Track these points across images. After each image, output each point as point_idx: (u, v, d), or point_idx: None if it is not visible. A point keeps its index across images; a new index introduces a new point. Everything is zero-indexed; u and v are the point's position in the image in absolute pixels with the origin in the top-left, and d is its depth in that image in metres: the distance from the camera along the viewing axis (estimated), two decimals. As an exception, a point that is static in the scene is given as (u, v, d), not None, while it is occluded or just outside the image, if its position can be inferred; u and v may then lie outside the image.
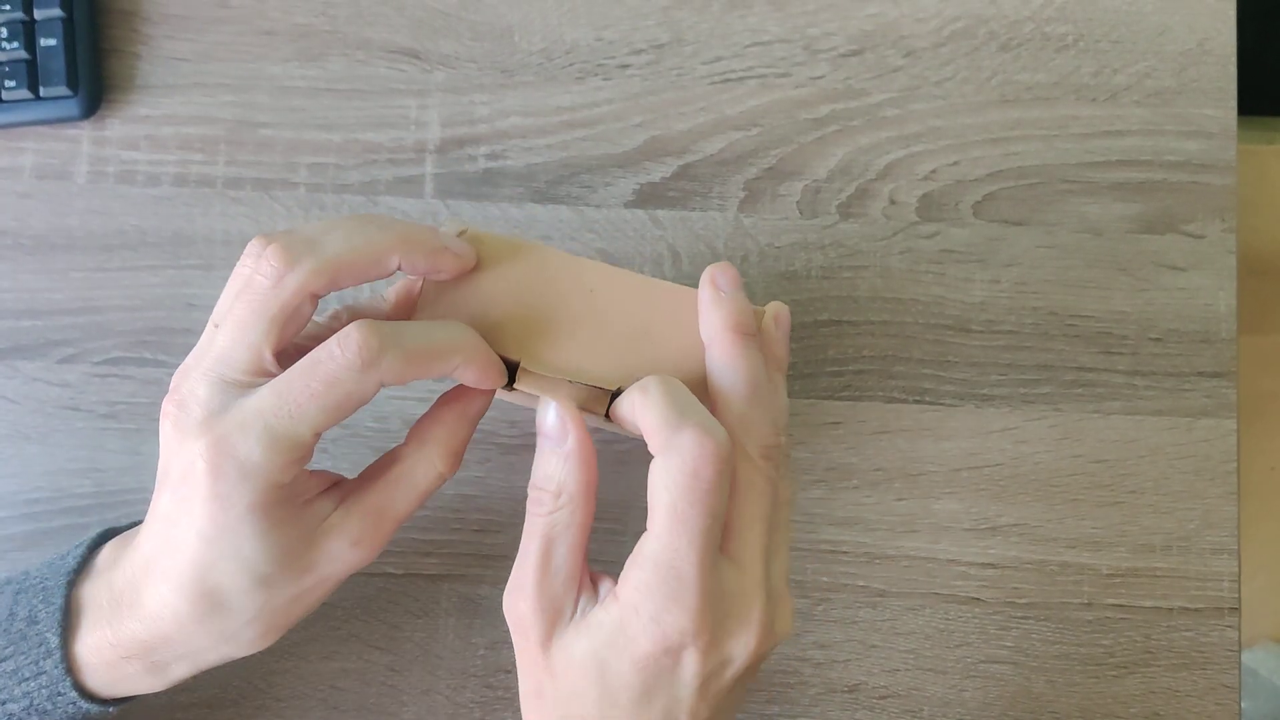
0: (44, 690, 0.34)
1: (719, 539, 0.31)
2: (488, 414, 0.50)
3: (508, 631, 0.48)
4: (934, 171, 0.52)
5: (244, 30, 0.53)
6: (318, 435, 0.33)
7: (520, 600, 0.33)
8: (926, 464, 0.50)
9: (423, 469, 0.37)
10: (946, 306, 0.51)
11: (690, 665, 0.31)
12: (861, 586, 0.49)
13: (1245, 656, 0.82)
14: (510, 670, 0.49)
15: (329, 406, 0.32)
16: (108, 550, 0.37)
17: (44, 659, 0.34)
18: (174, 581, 0.33)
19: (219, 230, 0.52)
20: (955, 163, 0.52)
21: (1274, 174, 0.76)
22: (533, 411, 0.50)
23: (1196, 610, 0.49)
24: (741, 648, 0.31)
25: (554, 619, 0.32)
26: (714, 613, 0.30)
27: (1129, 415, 0.50)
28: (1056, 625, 0.49)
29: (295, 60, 0.53)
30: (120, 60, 0.53)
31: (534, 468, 0.33)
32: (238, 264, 0.35)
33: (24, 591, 0.36)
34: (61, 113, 0.51)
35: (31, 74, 0.51)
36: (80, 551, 0.37)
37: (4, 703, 0.34)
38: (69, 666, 0.34)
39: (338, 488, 0.37)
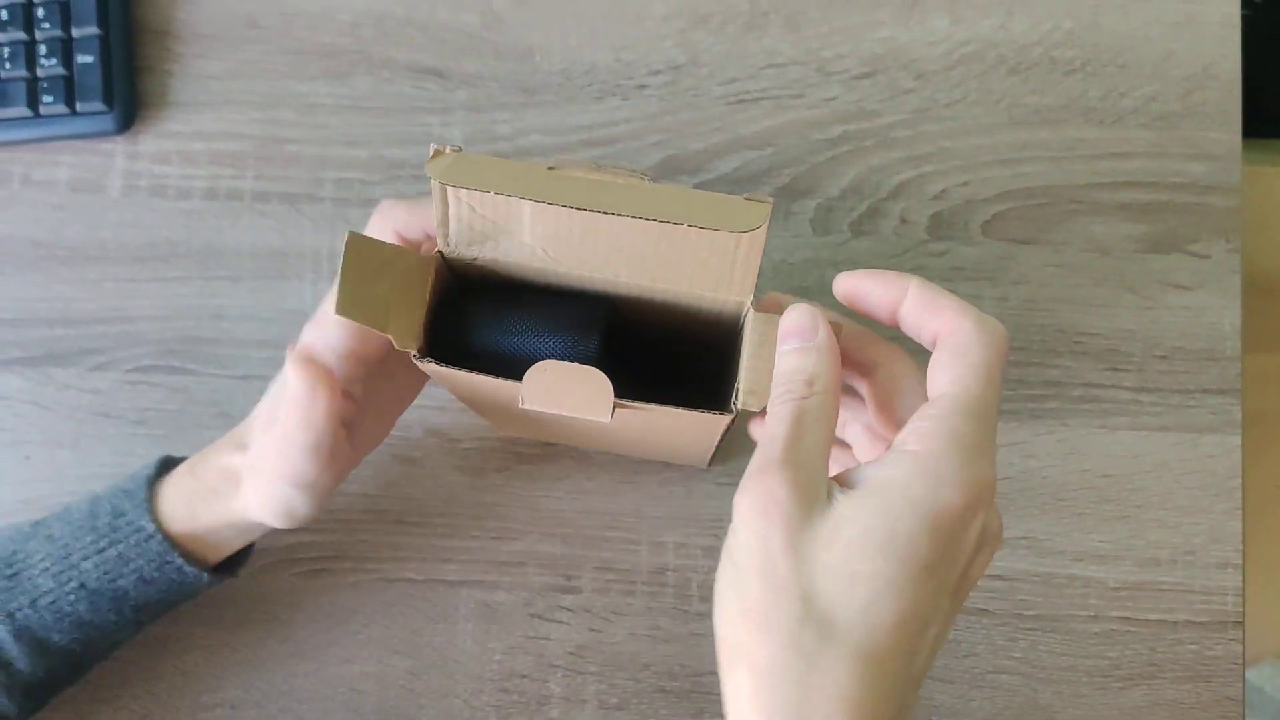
0: (152, 563, 0.41)
1: None
2: (507, 424, 0.51)
3: (524, 637, 0.50)
4: (944, 191, 0.53)
5: (273, 50, 0.54)
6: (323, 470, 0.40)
7: (769, 479, 0.28)
8: (936, 477, 0.51)
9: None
10: (956, 323, 0.52)
11: (976, 528, 0.28)
12: (871, 597, 0.50)
13: (1250, 674, 0.82)
14: (526, 675, 0.50)
15: (312, 425, 0.39)
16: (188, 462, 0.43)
17: (145, 540, 0.41)
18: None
19: (247, 243, 0.53)
20: (965, 183, 0.53)
21: (1279, 195, 0.77)
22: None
23: (1201, 624, 0.50)
24: (998, 530, 0.31)
25: (810, 499, 0.28)
26: (992, 482, 0.29)
27: (1135, 431, 0.51)
28: (1063, 637, 0.50)
29: (322, 78, 0.54)
30: (153, 77, 0.54)
31: (777, 372, 0.31)
32: None
33: (98, 500, 0.42)
34: (97, 128, 0.53)
35: (68, 90, 0.52)
36: (152, 465, 0.43)
37: (114, 580, 0.41)
38: (168, 539, 0.41)
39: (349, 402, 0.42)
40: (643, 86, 0.54)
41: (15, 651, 0.41)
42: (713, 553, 0.50)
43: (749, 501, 0.28)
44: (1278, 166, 0.76)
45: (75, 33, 0.53)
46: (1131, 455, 0.51)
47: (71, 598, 0.41)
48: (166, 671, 0.50)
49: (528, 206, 0.32)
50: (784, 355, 0.31)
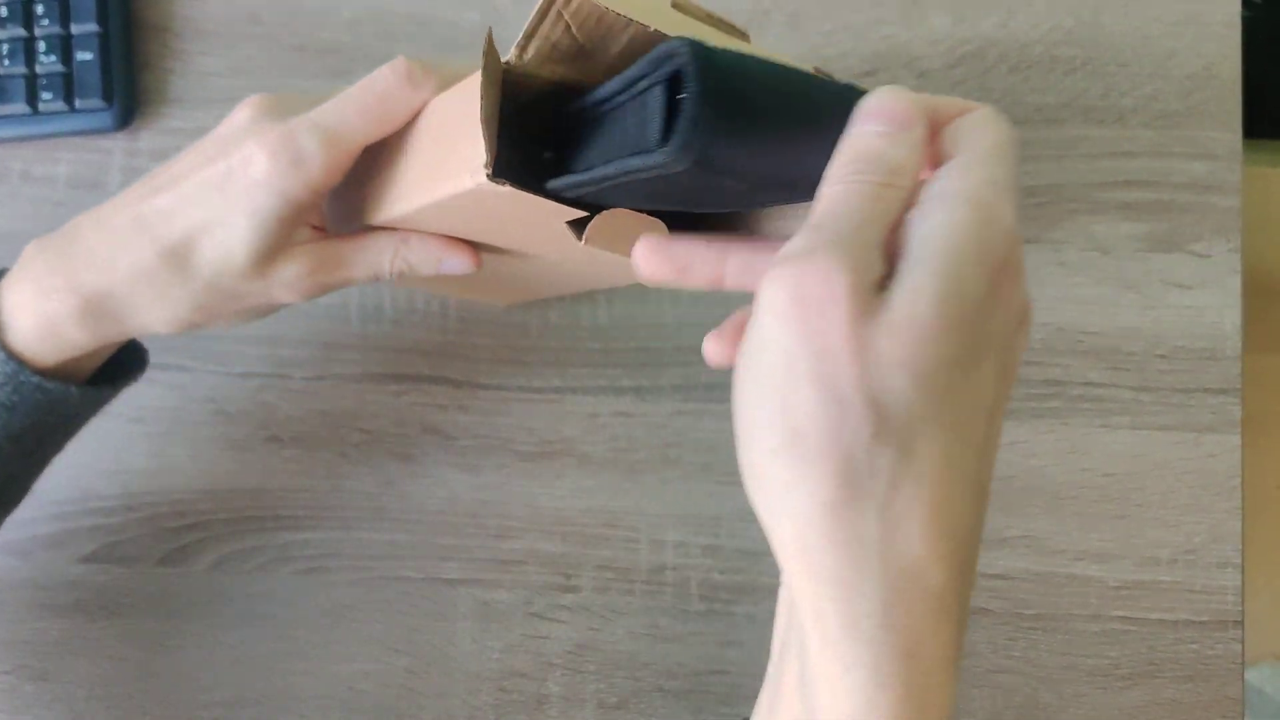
0: (4, 387, 0.37)
1: None
2: (504, 422, 0.51)
3: (522, 636, 0.49)
4: (945, 190, 0.53)
5: (274, 46, 0.54)
6: (362, 145, 0.36)
7: (822, 257, 0.22)
8: (936, 476, 0.51)
9: (389, 255, 0.39)
10: (956, 322, 0.52)
11: (1019, 295, 0.25)
12: (871, 596, 0.50)
13: (1250, 675, 0.82)
14: (525, 674, 0.49)
15: (377, 118, 0.36)
16: (33, 247, 0.38)
17: None
18: (162, 237, 0.36)
19: (246, 240, 0.53)
20: (966, 181, 0.53)
21: None
22: (548, 419, 0.51)
23: (1201, 623, 0.50)
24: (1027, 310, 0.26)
25: (871, 288, 0.23)
26: None
27: (1136, 430, 0.51)
28: (1063, 636, 0.50)
29: (323, 75, 0.54)
30: (153, 74, 0.54)
31: (851, 152, 0.25)
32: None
33: None
34: (96, 124, 0.53)
35: (68, 87, 0.52)
36: None
37: None
38: (16, 357, 0.37)
39: (318, 232, 0.40)
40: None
41: None
42: (713, 552, 0.50)
43: (791, 290, 0.22)
44: (1278, 167, 0.76)
45: (74, 29, 0.52)
46: (1132, 454, 0.51)
47: None
48: (162, 670, 0.50)
49: (631, 31, 0.29)
50: (865, 136, 0.25)
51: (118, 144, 0.54)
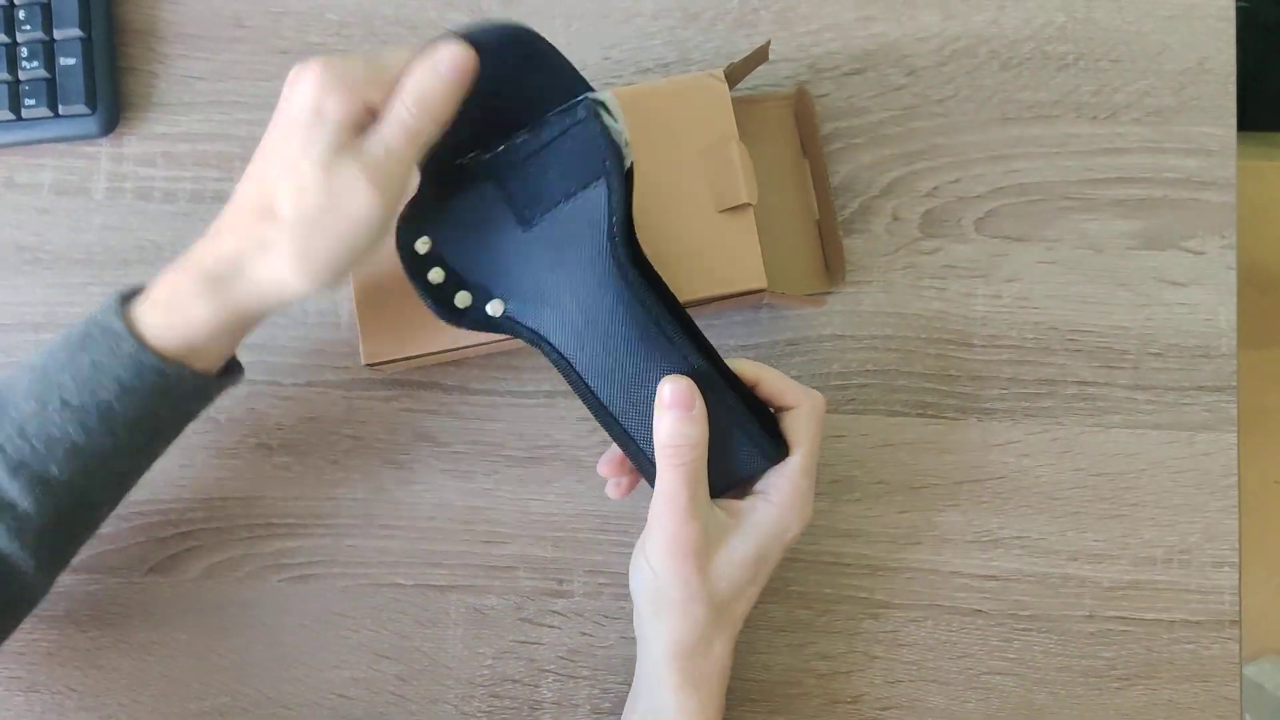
0: (128, 369, 0.39)
1: None
2: (495, 427, 0.51)
3: (514, 642, 0.49)
4: (936, 188, 0.52)
5: (259, 50, 0.54)
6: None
7: (684, 531, 0.40)
8: (929, 477, 0.51)
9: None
10: (949, 321, 0.52)
11: (793, 539, 0.44)
12: (864, 598, 0.50)
13: (1249, 670, 0.82)
14: (517, 680, 0.49)
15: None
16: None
17: (117, 342, 0.39)
18: (252, 197, 0.40)
19: (233, 245, 0.52)
20: (957, 180, 0.52)
21: (1275, 190, 0.76)
22: (539, 424, 0.51)
23: (1198, 623, 0.50)
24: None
25: (712, 540, 0.41)
26: None
27: (1130, 429, 0.51)
28: (1058, 637, 0.50)
29: (309, 79, 0.54)
30: (138, 79, 0.54)
31: (660, 435, 0.40)
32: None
33: (74, 323, 0.41)
34: (80, 130, 0.52)
35: (51, 92, 0.52)
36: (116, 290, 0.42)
37: (94, 392, 0.39)
38: (141, 340, 0.39)
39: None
40: (632, 85, 0.53)
41: (16, 491, 0.39)
42: (705, 555, 0.50)
43: (667, 551, 0.41)
44: (1273, 160, 0.75)
45: (58, 34, 0.52)
46: (1126, 453, 0.51)
47: (57, 419, 0.39)
48: (153, 678, 0.49)
49: None
50: (669, 420, 0.40)
51: (102, 149, 0.53)
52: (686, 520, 0.40)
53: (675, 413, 0.40)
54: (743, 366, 0.43)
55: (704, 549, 0.41)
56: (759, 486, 0.43)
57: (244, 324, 0.41)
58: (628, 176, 0.41)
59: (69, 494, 0.40)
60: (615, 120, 0.41)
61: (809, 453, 0.43)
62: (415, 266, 0.43)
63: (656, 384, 0.41)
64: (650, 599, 0.42)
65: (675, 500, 0.40)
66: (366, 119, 0.39)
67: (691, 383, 0.41)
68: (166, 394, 0.41)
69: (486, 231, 0.42)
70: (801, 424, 0.43)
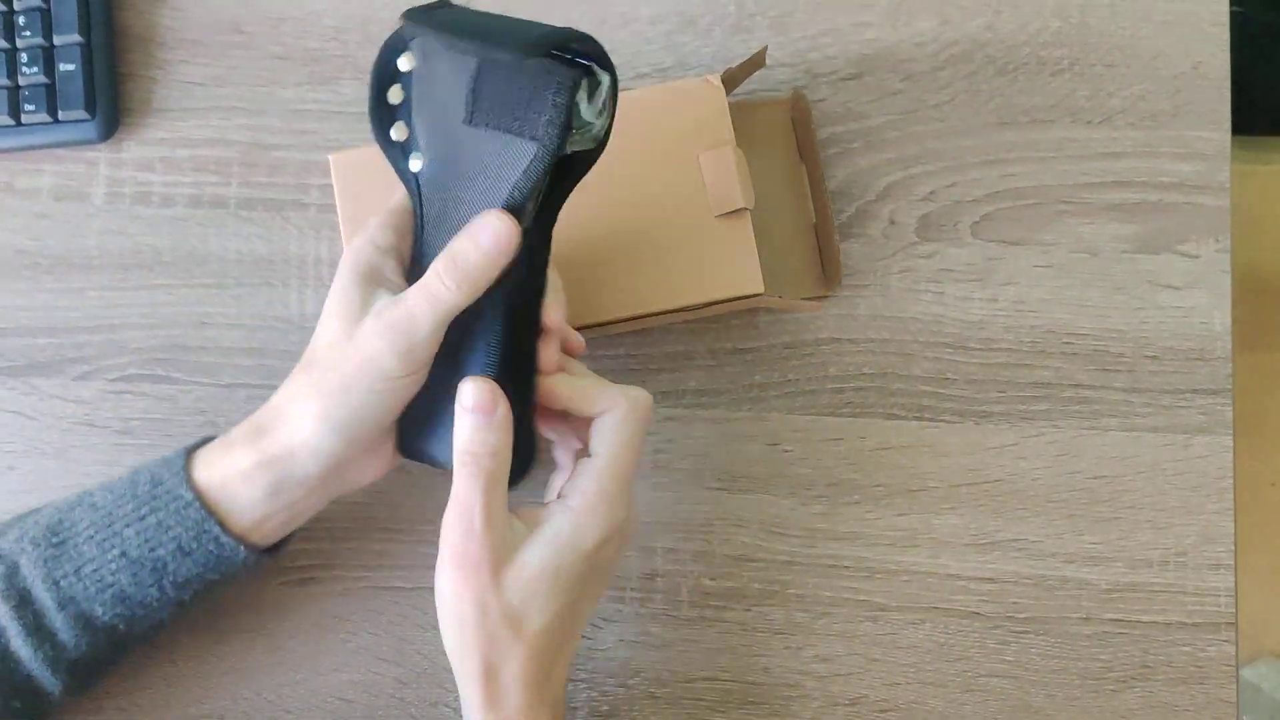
0: (189, 532, 0.41)
1: None
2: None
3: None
4: (932, 192, 0.53)
5: (258, 55, 0.54)
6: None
7: (472, 543, 0.38)
8: (926, 480, 0.51)
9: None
10: (945, 325, 0.52)
11: (612, 547, 0.41)
12: (862, 601, 0.50)
13: (1246, 672, 0.82)
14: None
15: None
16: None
17: (183, 508, 0.41)
18: (314, 390, 0.40)
19: (232, 250, 0.53)
20: (953, 184, 0.53)
21: (1270, 194, 0.77)
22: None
23: (1194, 625, 0.50)
24: (632, 534, 0.44)
25: (504, 553, 0.39)
26: (632, 511, 0.42)
27: (1126, 432, 0.51)
28: (1055, 640, 0.50)
29: (307, 84, 0.54)
30: (137, 84, 0.54)
31: (459, 439, 0.39)
32: None
33: (139, 470, 0.42)
34: (79, 135, 0.53)
35: (50, 98, 0.52)
36: (189, 443, 0.44)
37: (153, 549, 0.41)
38: (205, 507, 0.41)
39: None
40: (628, 90, 0.54)
41: (59, 623, 0.41)
42: (703, 558, 0.50)
43: (457, 564, 0.39)
44: (1268, 165, 0.76)
45: (57, 40, 0.52)
46: (1123, 456, 0.51)
47: (113, 566, 0.41)
48: (153, 681, 0.49)
49: None
50: (465, 427, 0.39)
51: (102, 155, 0.53)
52: (481, 532, 0.38)
53: (476, 417, 0.39)
54: (551, 384, 0.41)
55: (496, 562, 0.38)
56: (564, 490, 0.41)
57: (286, 484, 0.41)
58: (569, 165, 0.40)
59: (108, 634, 0.42)
60: (595, 107, 0.39)
61: (611, 456, 0.40)
62: (384, 77, 0.41)
63: (463, 370, 0.40)
64: (447, 615, 0.40)
65: (469, 510, 0.38)
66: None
67: (495, 386, 0.39)
68: (220, 561, 0.42)
69: (445, 92, 0.40)
70: (607, 428, 0.40)
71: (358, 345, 0.39)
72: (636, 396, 0.41)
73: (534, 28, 0.39)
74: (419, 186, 0.41)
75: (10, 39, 0.52)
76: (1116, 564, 0.50)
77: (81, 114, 0.52)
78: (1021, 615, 0.50)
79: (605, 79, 0.40)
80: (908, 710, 0.49)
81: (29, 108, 0.52)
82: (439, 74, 0.40)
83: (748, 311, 0.52)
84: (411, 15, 0.40)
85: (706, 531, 0.50)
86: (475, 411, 0.39)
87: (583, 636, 0.50)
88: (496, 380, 0.40)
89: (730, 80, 0.49)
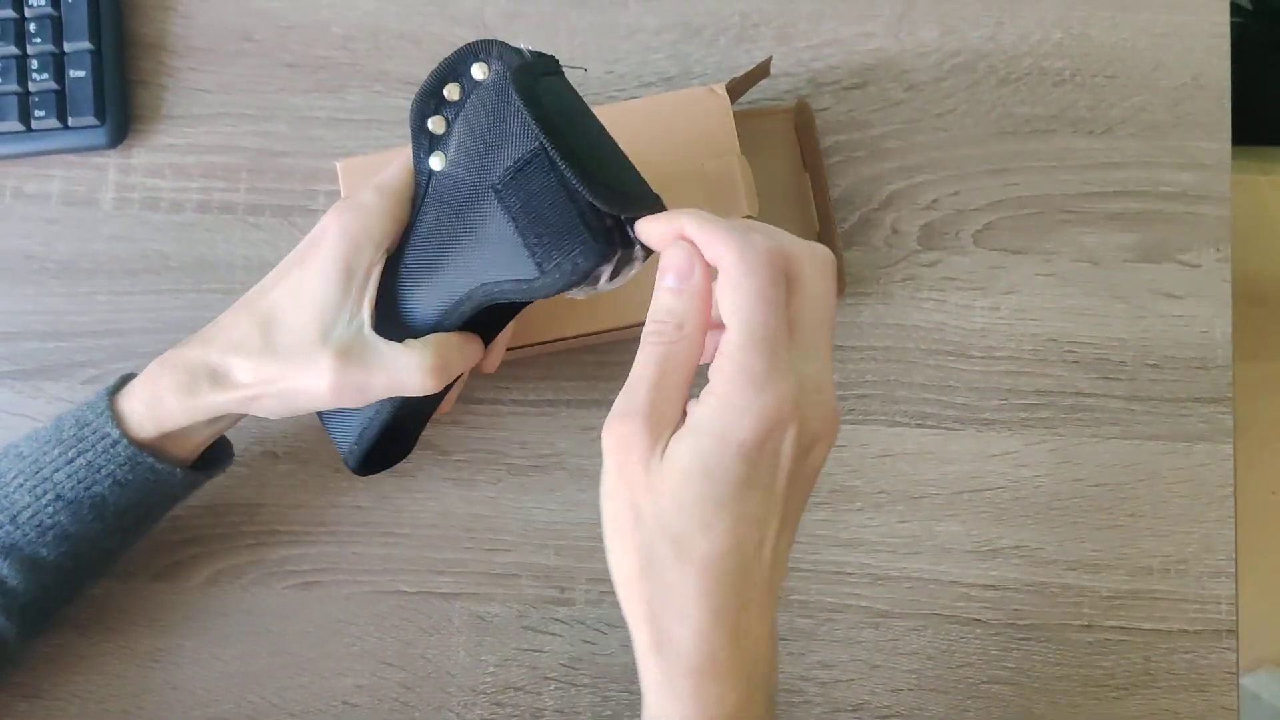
0: (123, 467, 0.41)
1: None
2: (498, 435, 0.51)
3: (517, 649, 0.49)
4: (935, 201, 0.53)
5: (266, 63, 0.55)
6: (408, 192, 0.42)
7: (630, 421, 0.33)
8: (929, 487, 0.51)
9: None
10: (947, 333, 0.52)
11: (786, 439, 0.32)
12: (865, 607, 0.50)
13: (1247, 680, 0.82)
14: (519, 688, 0.49)
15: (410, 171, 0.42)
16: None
17: (112, 446, 0.41)
18: (256, 307, 0.41)
19: (240, 255, 0.53)
20: (956, 193, 0.53)
21: (1270, 203, 0.77)
22: (541, 433, 0.51)
23: (1195, 633, 0.50)
24: (824, 427, 0.33)
25: (659, 437, 0.33)
26: (801, 392, 0.32)
27: (1127, 440, 0.51)
28: (1057, 646, 0.50)
29: (315, 91, 0.54)
30: (146, 91, 0.54)
31: (654, 306, 0.34)
32: None
33: (62, 418, 0.42)
34: (89, 141, 0.53)
35: (60, 104, 0.53)
36: (113, 380, 0.43)
37: (89, 487, 0.41)
38: (135, 442, 0.41)
39: None
40: (635, 99, 0.54)
41: (6, 570, 0.41)
42: (706, 564, 0.50)
43: (612, 440, 0.33)
44: (1268, 175, 0.76)
45: (67, 47, 0.53)
46: (1124, 464, 0.51)
47: (50, 509, 0.41)
48: (157, 685, 0.50)
49: None
50: (661, 293, 0.34)
51: (111, 161, 0.54)
52: (640, 414, 0.33)
53: (668, 279, 0.34)
54: (669, 219, 0.35)
55: (649, 455, 0.32)
56: (711, 371, 0.33)
57: (230, 421, 0.44)
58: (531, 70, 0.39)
59: (56, 572, 0.43)
60: (614, 282, 0.38)
61: (743, 322, 0.32)
62: (449, 72, 0.41)
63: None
64: (611, 525, 0.34)
65: (639, 382, 0.33)
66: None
67: (694, 251, 0.33)
68: (158, 486, 0.43)
69: (497, 132, 0.39)
70: (725, 286, 0.32)
71: (308, 370, 0.40)
72: (749, 247, 0.32)
73: (625, 170, 0.39)
74: (428, 186, 0.41)
75: (21, 45, 0.52)
76: (1118, 571, 0.50)
77: (91, 120, 0.53)
78: (1023, 622, 0.50)
79: (637, 267, 0.38)
80: (910, 717, 0.50)
81: (39, 113, 0.52)
82: (504, 113, 0.39)
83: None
84: (522, 72, 0.38)
85: (710, 537, 0.51)
86: (668, 272, 0.34)
87: (586, 642, 0.50)
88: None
89: (735, 90, 0.50)
